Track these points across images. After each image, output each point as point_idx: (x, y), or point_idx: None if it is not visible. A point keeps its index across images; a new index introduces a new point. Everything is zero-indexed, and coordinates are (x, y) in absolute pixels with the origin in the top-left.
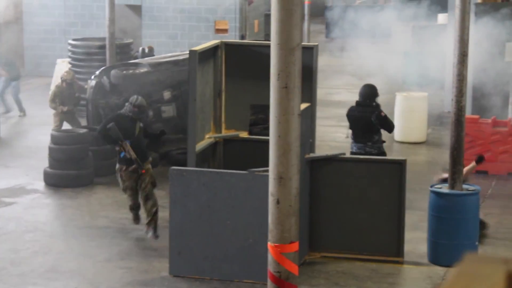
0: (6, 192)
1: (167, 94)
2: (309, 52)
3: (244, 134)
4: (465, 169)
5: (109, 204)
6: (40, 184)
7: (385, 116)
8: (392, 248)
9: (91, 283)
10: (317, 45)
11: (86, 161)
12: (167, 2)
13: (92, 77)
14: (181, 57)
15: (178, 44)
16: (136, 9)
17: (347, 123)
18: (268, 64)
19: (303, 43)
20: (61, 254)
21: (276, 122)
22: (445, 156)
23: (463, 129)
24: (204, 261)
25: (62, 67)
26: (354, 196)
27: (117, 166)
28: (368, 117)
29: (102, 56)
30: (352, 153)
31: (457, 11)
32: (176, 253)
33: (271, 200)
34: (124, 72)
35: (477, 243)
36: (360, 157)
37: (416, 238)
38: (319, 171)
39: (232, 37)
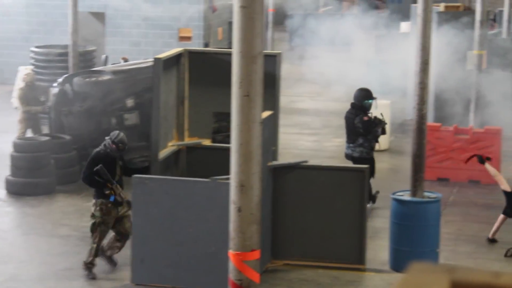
0: None
1: (130, 102)
2: (272, 60)
3: (207, 142)
4: (499, 176)
5: (71, 212)
6: (2, 192)
7: (369, 121)
8: (354, 256)
9: None
10: (280, 53)
11: (48, 169)
12: (130, 10)
13: (55, 84)
14: (144, 65)
15: (142, 51)
16: (100, 17)
17: (311, 131)
18: (231, 72)
19: (266, 51)
20: (22, 262)
21: (238, 130)
22: (407, 164)
23: (425, 137)
24: (167, 269)
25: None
26: (317, 204)
27: (99, 200)
28: (353, 119)
29: (64, 63)
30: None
31: (419, 20)
32: (139, 261)
33: (232, 208)
34: (87, 79)
35: (437, 250)
36: (322, 165)
37: (378, 245)
38: (281, 179)
39: (196, 45)
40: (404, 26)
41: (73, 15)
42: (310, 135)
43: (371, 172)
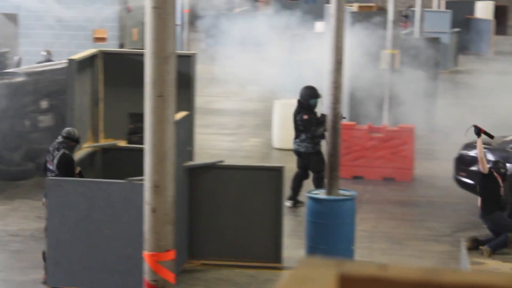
0: None
1: (44, 104)
2: (187, 61)
3: (122, 143)
4: (480, 149)
5: None
6: None
7: (308, 120)
8: (271, 254)
9: None
10: (195, 53)
11: None
12: (44, 11)
13: None
14: (58, 66)
15: (56, 53)
16: (12, 18)
17: (228, 131)
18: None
19: (181, 52)
20: None
21: (151, 131)
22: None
23: (339, 136)
24: (83, 271)
25: None
26: (233, 203)
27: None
28: (295, 116)
29: None
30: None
31: (332, 20)
32: (54, 264)
33: (147, 209)
34: None
35: (353, 247)
36: (239, 164)
37: (294, 243)
38: (198, 179)
39: (111, 46)
40: (319, 25)
41: None
42: (227, 135)
43: (318, 165)
